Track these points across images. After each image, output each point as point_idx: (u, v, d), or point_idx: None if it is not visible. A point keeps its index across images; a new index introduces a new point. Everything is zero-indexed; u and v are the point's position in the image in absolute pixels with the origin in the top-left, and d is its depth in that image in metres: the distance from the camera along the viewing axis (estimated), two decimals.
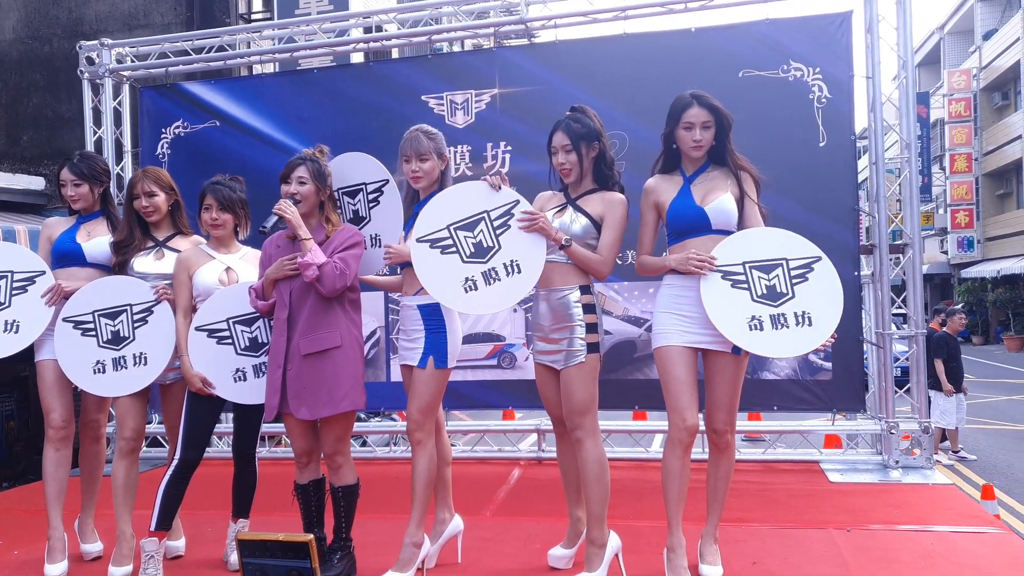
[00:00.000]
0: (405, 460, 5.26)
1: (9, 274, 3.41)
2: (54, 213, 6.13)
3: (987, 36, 26.36)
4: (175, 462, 3.21)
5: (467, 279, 2.92)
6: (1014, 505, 6.76)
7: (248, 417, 3.35)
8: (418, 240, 2.95)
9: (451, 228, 2.95)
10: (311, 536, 2.08)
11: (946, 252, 27.65)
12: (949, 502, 4.08)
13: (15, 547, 3.76)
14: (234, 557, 3.35)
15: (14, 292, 3.40)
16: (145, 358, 3.30)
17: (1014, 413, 11.61)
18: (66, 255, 3.49)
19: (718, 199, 2.95)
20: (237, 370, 3.24)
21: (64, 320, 3.33)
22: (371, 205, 3.39)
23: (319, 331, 3.02)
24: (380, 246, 3.36)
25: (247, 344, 3.26)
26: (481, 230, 2.94)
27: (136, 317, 3.32)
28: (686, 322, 2.94)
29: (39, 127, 8.24)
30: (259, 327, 3.26)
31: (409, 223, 3.21)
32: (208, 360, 3.22)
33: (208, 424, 3.29)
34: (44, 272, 3.43)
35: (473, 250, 2.93)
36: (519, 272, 2.91)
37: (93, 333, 3.33)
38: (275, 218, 3.01)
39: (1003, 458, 8.63)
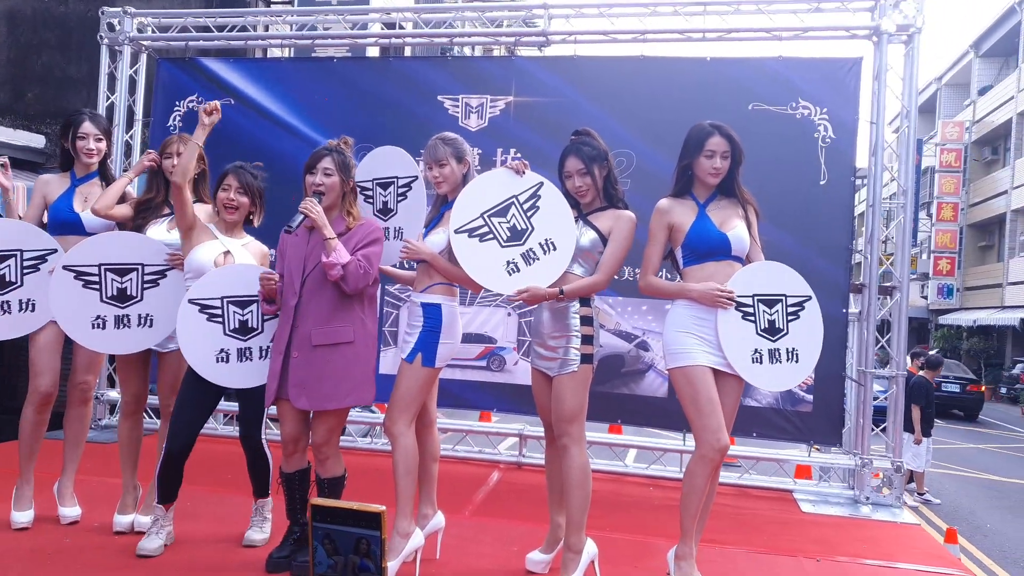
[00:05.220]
0: (386, 452, 5.26)
1: (18, 253, 3.33)
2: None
3: (983, 91, 26.93)
4: (162, 455, 3.14)
5: (508, 262, 3.02)
6: (975, 552, 6.89)
7: (251, 402, 3.26)
8: (456, 232, 3.02)
9: (485, 216, 3.04)
10: (383, 508, 2.02)
11: (926, 297, 28.08)
12: (916, 541, 4.20)
13: None
14: (252, 535, 3.37)
15: (25, 271, 3.34)
16: (151, 320, 3.29)
17: (982, 462, 11.82)
18: (64, 223, 3.45)
19: (737, 226, 3.06)
20: (221, 350, 3.13)
21: (65, 268, 3.22)
22: (400, 199, 3.45)
23: (333, 323, 2.99)
24: (401, 239, 3.39)
25: (236, 326, 3.16)
26: (513, 214, 3.05)
27: (147, 278, 3.28)
28: (706, 343, 3.02)
29: (46, 85, 8.18)
30: (252, 311, 3.18)
31: (432, 224, 3.25)
32: (194, 335, 3.10)
33: (198, 415, 3.18)
34: (56, 250, 3.36)
35: (509, 234, 3.04)
36: (555, 249, 3.02)
37: (96, 287, 3.23)
38: (301, 217, 2.99)
39: (967, 505, 8.80)
